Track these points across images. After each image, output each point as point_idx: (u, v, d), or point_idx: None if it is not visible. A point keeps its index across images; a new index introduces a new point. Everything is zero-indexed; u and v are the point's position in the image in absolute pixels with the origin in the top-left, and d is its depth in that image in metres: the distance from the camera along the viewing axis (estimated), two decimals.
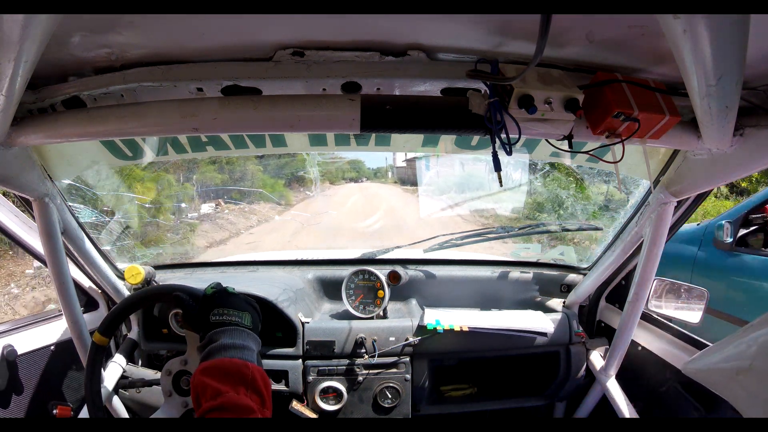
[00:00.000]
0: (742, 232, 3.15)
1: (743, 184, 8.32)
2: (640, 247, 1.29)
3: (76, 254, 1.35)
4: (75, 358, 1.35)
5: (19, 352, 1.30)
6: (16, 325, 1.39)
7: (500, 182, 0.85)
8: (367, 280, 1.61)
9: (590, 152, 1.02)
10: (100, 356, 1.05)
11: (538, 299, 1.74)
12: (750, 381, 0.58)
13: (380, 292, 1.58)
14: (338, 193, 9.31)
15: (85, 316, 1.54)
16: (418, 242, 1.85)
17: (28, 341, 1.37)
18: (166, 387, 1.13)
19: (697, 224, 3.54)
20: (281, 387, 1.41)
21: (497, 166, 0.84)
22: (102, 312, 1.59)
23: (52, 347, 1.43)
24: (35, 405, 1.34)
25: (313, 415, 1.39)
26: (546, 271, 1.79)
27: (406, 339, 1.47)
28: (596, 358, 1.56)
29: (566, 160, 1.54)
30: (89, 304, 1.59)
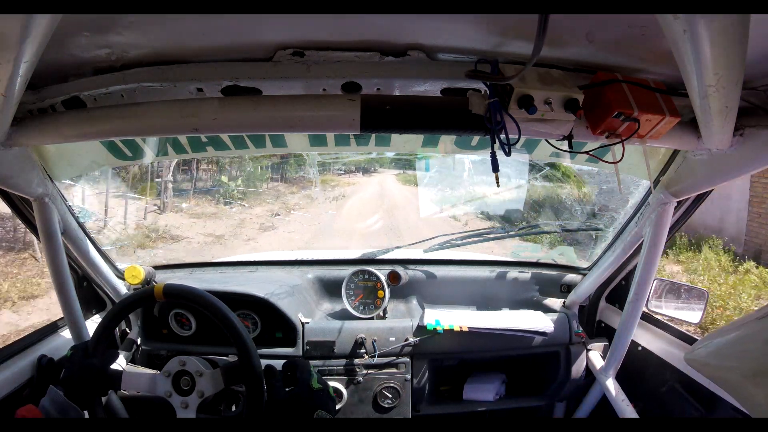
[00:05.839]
0: None
1: None
2: (640, 248, 1.30)
3: (76, 254, 1.35)
4: None
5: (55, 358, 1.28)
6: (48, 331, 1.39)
7: (497, 183, 0.86)
8: (367, 281, 1.61)
9: (590, 152, 1.02)
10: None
11: (538, 299, 1.74)
12: None
13: (380, 292, 1.58)
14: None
15: (96, 316, 1.56)
16: (418, 242, 1.85)
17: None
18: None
19: None
20: None
21: (495, 167, 0.84)
22: None
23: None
24: None
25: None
26: (545, 271, 1.79)
27: (406, 339, 1.47)
28: (596, 358, 1.56)
29: (566, 161, 1.54)
30: (100, 304, 1.60)
